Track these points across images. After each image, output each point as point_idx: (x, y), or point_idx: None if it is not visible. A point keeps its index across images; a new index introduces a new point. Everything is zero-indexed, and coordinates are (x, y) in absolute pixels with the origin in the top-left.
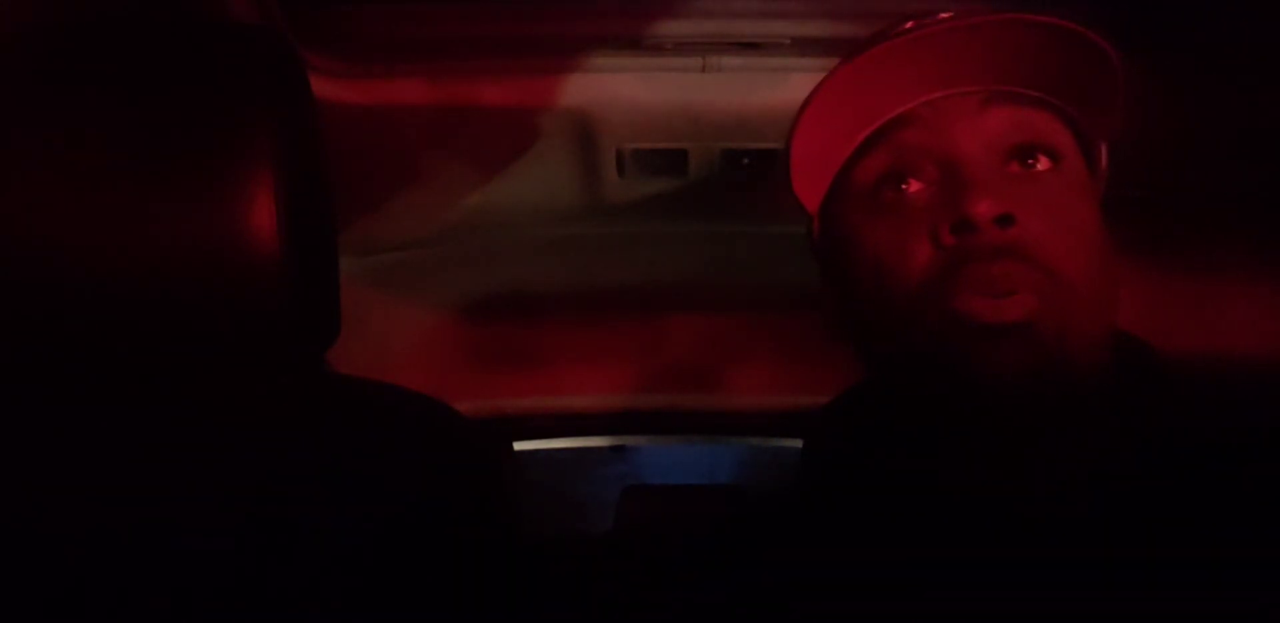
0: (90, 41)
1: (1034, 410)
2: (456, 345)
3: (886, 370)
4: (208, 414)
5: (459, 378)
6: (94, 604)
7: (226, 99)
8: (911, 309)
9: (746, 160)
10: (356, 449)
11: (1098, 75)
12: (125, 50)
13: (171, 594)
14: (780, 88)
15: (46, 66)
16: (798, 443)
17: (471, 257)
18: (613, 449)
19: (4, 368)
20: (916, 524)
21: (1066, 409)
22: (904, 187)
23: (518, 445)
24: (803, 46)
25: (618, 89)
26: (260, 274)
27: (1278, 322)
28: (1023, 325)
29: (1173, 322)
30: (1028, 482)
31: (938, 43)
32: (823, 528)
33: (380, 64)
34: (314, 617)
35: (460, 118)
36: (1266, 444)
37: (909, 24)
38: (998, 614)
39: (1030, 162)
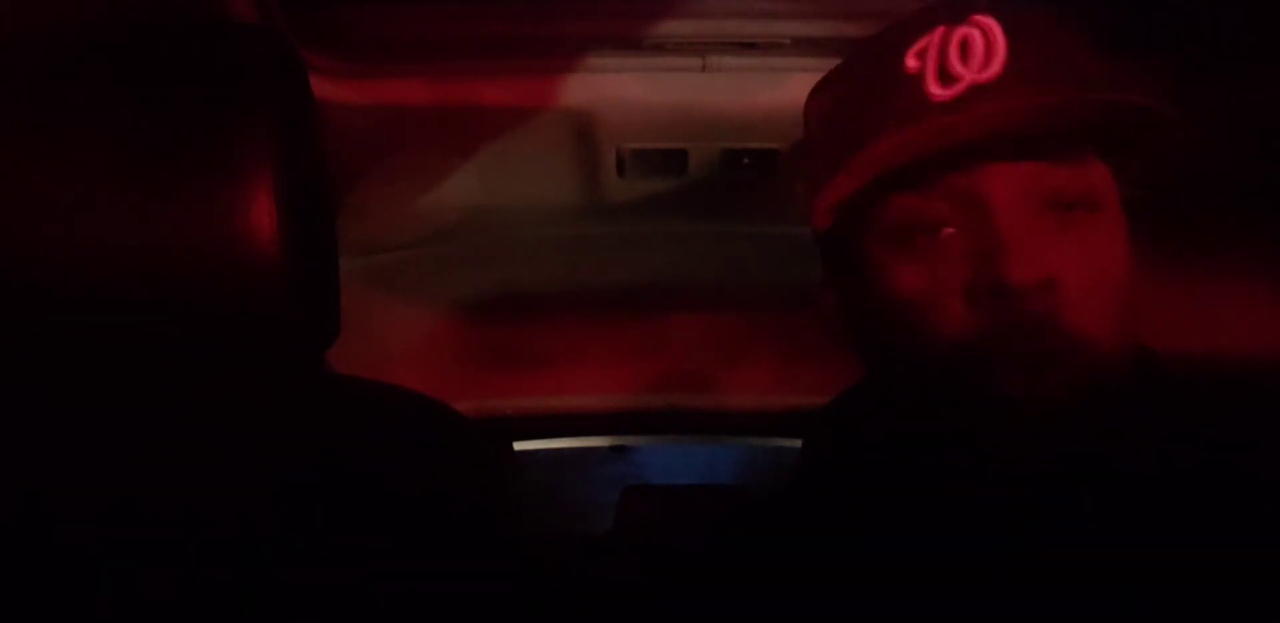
0: (90, 41)
1: (1055, 428)
2: (456, 345)
3: (894, 382)
4: (208, 414)
5: (459, 378)
6: (94, 604)
7: (226, 99)
8: (945, 373)
9: (746, 160)
10: (356, 449)
11: (1144, 124)
12: (125, 50)
13: (172, 594)
14: (780, 88)
15: (46, 66)
16: (798, 443)
17: (471, 257)
18: (613, 449)
19: (4, 368)
20: (917, 525)
21: (1079, 415)
22: (939, 231)
23: (518, 445)
24: (803, 46)
25: (618, 89)
26: (260, 274)
27: (1278, 322)
28: (1062, 354)
29: (1173, 322)
30: (1030, 484)
31: (977, 121)
32: (822, 529)
33: (380, 64)
34: (314, 617)
35: (460, 118)
36: (1267, 444)
37: (939, 31)
38: (999, 616)
39: (1068, 209)
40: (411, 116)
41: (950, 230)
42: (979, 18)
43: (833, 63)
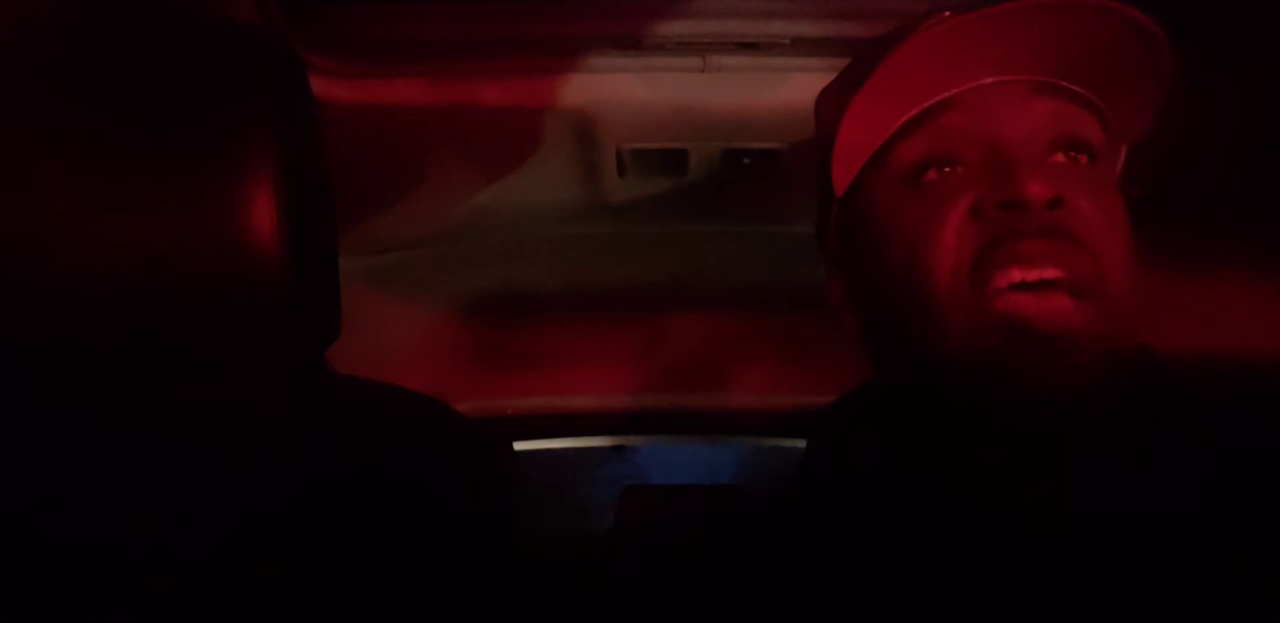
0: (90, 41)
1: (1063, 418)
2: (456, 345)
3: (903, 367)
4: (208, 414)
5: (459, 378)
6: (94, 604)
7: (226, 99)
8: (946, 291)
9: (746, 160)
10: (357, 449)
11: (1144, 66)
12: (125, 50)
13: (172, 594)
14: (780, 88)
15: (46, 66)
16: (798, 443)
17: (471, 257)
18: (613, 449)
19: (3, 368)
20: (920, 526)
21: (1091, 416)
22: (946, 169)
23: (518, 445)
24: (803, 46)
25: (618, 89)
26: (260, 274)
27: (1278, 322)
28: (1077, 335)
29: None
30: (1037, 485)
31: (987, 27)
32: (824, 529)
33: (380, 64)
34: (315, 616)
35: (460, 118)
36: (1267, 444)
37: (947, 14)
38: (1003, 617)
39: (1072, 154)
40: (412, 116)
41: (959, 166)
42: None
43: (833, 62)
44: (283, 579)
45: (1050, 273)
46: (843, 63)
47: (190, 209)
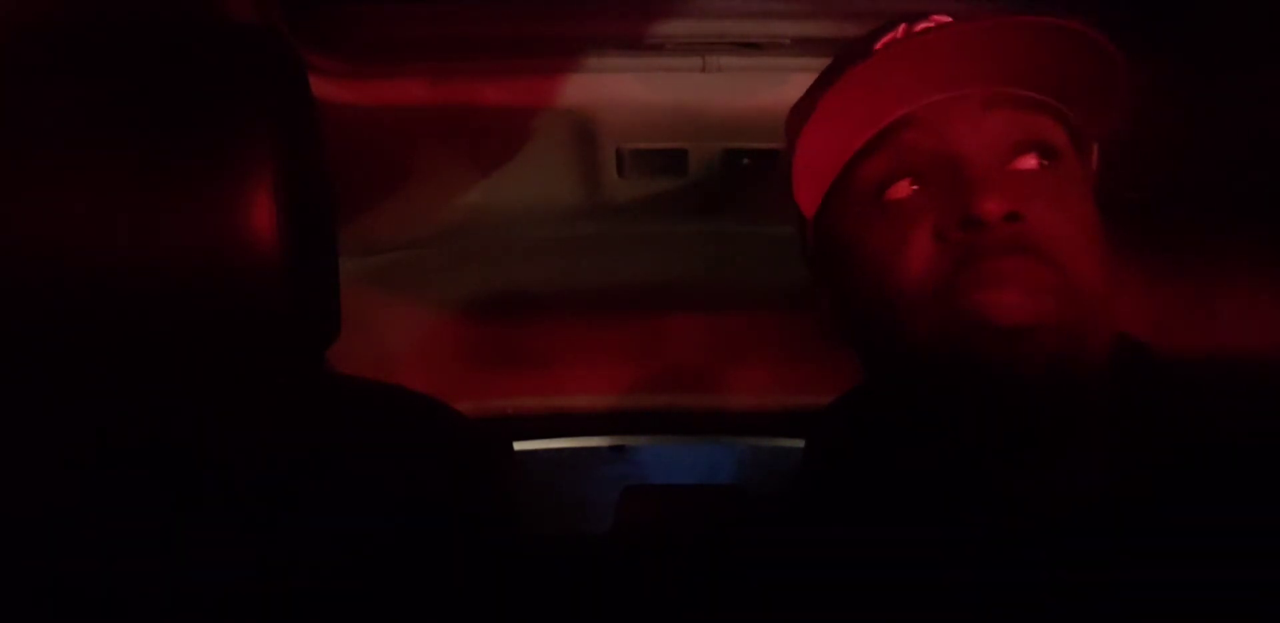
0: (90, 41)
1: (1040, 412)
2: (456, 345)
3: (887, 373)
4: (208, 414)
5: (459, 378)
6: (95, 604)
7: (226, 99)
8: (916, 308)
9: (746, 160)
10: (357, 449)
11: (1098, 75)
12: (125, 50)
13: (173, 594)
14: (780, 88)
15: (46, 67)
16: (798, 443)
17: (471, 257)
18: (613, 449)
19: (3, 367)
20: (918, 524)
21: (1070, 410)
22: (909, 187)
23: (518, 446)
24: (803, 46)
25: (618, 89)
26: (260, 274)
27: (1278, 322)
28: (1035, 329)
29: (1173, 322)
30: (1030, 481)
31: (939, 46)
32: (823, 528)
33: (380, 64)
34: (315, 616)
35: (460, 118)
36: (1266, 444)
37: (901, 27)
38: (1001, 613)
39: (1030, 159)
40: (411, 116)
41: (919, 185)
42: (937, 18)
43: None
44: (282, 578)
45: (1012, 295)
46: None
47: (190, 209)
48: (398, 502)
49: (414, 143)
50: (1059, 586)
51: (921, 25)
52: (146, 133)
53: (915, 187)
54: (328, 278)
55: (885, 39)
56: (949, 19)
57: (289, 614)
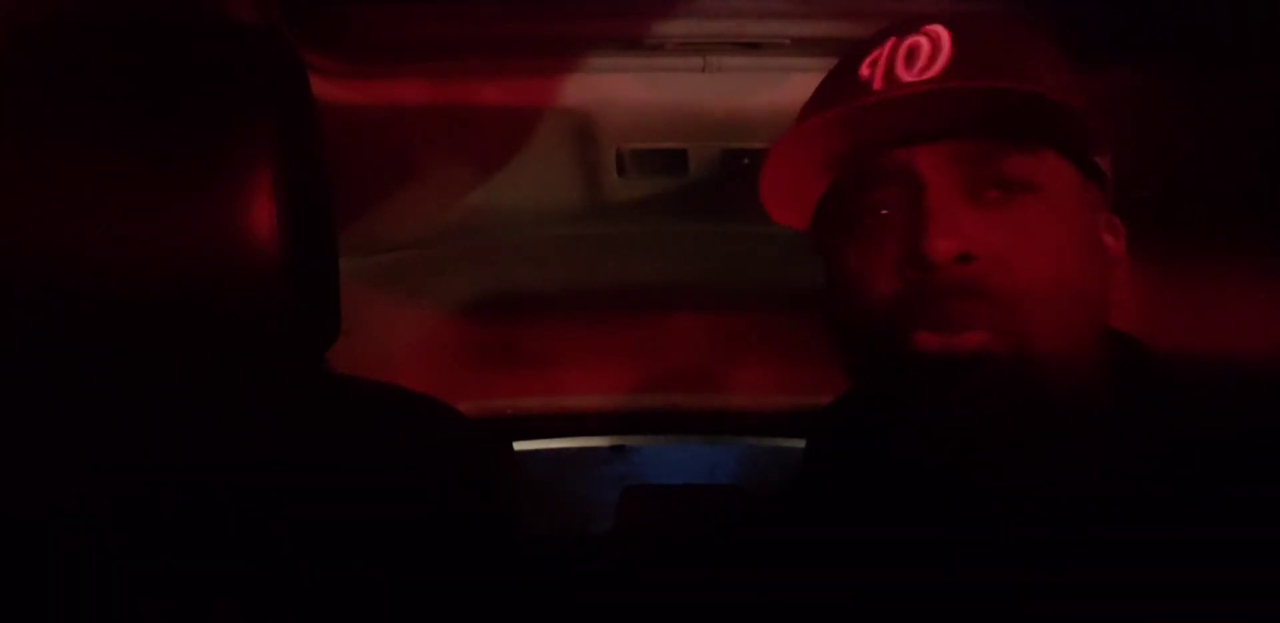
0: (90, 41)
1: (1006, 429)
2: (456, 345)
3: (860, 385)
4: (208, 414)
5: (459, 378)
6: (95, 604)
7: (226, 99)
8: (874, 342)
9: (746, 160)
10: (357, 449)
11: (1068, 126)
12: (125, 50)
13: (172, 592)
14: (780, 88)
15: (47, 66)
16: (798, 443)
17: (471, 257)
18: (613, 449)
19: (3, 367)
20: (915, 523)
21: (1049, 418)
22: (878, 213)
23: (518, 445)
24: (803, 46)
25: (618, 89)
26: (260, 274)
27: (1278, 322)
28: (977, 358)
29: (1173, 322)
30: (1026, 483)
31: (893, 107)
32: (821, 526)
33: (380, 64)
34: (314, 616)
35: (460, 118)
36: (1266, 444)
37: (888, 44)
38: (998, 614)
39: (1005, 190)
40: (412, 116)
41: (886, 212)
42: (930, 28)
43: (832, 63)
44: (282, 579)
45: (959, 341)
46: None
47: (190, 209)
48: (397, 502)
49: (414, 143)
50: (1057, 586)
51: (910, 39)
52: (146, 133)
53: (884, 212)
54: (328, 278)
55: (868, 59)
56: (942, 28)
57: (289, 615)
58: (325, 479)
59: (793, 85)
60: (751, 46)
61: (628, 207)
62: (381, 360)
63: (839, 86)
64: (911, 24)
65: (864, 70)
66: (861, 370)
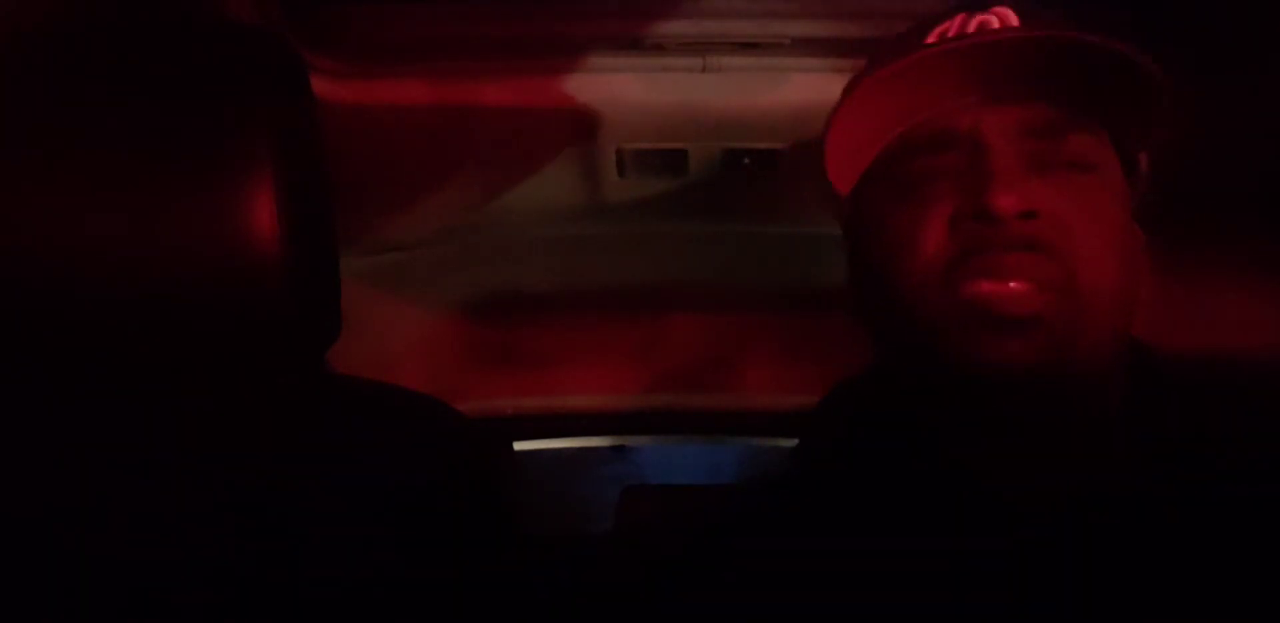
0: (90, 41)
1: (1034, 406)
2: (457, 345)
3: (892, 351)
4: (208, 414)
5: (459, 378)
6: (95, 604)
7: (226, 100)
8: (923, 288)
9: (746, 160)
10: (357, 449)
11: (1140, 94)
12: (125, 50)
13: (172, 592)
14: (780, 88)
15: (46, 67)
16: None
17: (471, 257)
18: (613, 449)
19: (4, 367)
20: (911, 515)
21: (1068, 406)
22: (933, 174)
23: (518, 445)
24: (803, 46)
25: (618, 89)
26: (260, 274)
27: (1278, 322)
28: (1032, 320)
29: (1173, 322)
30: (1027, 476)
31: (979, 54)
32: (816, 521)
33: (380, 64)
34: (315, 616)
35: (460, 118)
36: (1266, 444)
37: (958, 18)
38: (992, 606)
39: (1064, 168)
40: (412, 116)
41: (947, 159)
42: (998, 9)
43: (833, 62)
44: (283, 579)
45: (1015, 286)
46: (843, 63)
47: (190, 209)
48: (397, 502)
49: (414, 143)
50: (1057, 585)
51: (979, 18)
52: (147, 133)
53: (940, 174)
54: (328, 278)
55: (938, 30)
56: (1010, 12)
57: (289, 615)
58: (325, 479)
59: (793, 85)
60: (751, 46)
61: (628, 207)
62: (381, 360)
63: (907, 48)
64: (979, 3)
65: (932, 39)
66: (901, 330)
